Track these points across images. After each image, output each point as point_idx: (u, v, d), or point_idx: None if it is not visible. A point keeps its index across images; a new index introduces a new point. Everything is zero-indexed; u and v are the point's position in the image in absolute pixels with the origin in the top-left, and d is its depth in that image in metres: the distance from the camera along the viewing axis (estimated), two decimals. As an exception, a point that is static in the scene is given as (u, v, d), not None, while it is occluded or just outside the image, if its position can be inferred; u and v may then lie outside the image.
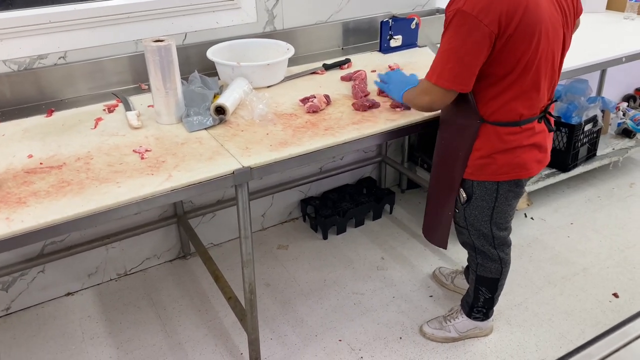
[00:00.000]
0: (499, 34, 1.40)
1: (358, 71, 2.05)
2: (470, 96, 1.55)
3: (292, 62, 2.17)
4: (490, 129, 1.58)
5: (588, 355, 0.63)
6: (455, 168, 1.69)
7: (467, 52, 1.42)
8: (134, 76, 2.09)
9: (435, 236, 1.93)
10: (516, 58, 1.45)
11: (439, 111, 1.75)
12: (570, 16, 1.56)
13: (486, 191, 1.68)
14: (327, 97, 1.88)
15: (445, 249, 1.97)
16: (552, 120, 1.67)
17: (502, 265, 1.86)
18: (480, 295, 1.93)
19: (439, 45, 1.51)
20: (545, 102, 1.61)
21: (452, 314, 2.07)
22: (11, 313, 2.20)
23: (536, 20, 1.42)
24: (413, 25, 2.43)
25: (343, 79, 2.09)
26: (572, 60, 2.26)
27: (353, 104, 1.85)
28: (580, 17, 1.67)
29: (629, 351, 0.65)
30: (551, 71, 1.56)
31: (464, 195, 1.72)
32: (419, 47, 2.48)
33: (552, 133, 1.69)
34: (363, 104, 1.82)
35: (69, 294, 2.30)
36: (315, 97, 1.85)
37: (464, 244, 1.91)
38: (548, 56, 1.51)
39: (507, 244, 1.86)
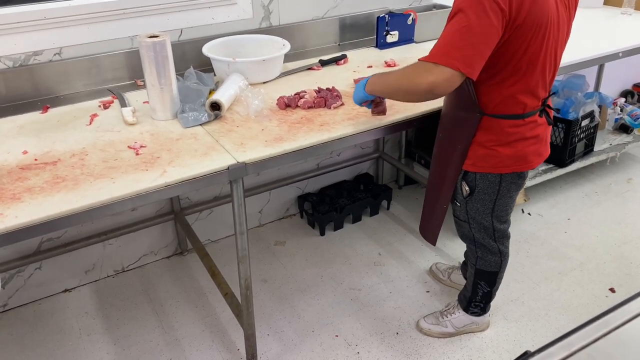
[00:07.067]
0: (510, 20, 1.35)
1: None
2: (469, 88, 1.52)
3: (288, 58, 2.17)
4: (492, 121, 1.56)
5: (569, 344, 0.64)
6: (453, 160, 1.68)
7: (480, 33, 1.31)
8: (129, 72, 2.09)
9: (428, 232, 1.93)
10: (522, 49, 1.42)
11: (441, 105, 1.74)
12: (573, 10, 1.56)
13: (489, 184, 1.67)
14: (334, 90, 1.87)
15: (434, 245, 1.96)
16: (551, 113, 1.67)
17: (501, 258, 1.86)
18: (479, 290, 1.94)
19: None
20: (545, 95, 1.61)
21: (448, 309, 2.07)
22: (8, 310, 2.20)
23: (544, 11, 1.40)
24: (409, 21, 2.43)
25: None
26: (569, 55, 2.26)
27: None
28: (577, 16, 1.67)
29: (609, 340, 0.66)
30: (554, 65, 1.55)
31: (467, 188, 1.71)
32: (416, 42, 2.48)
33: (550, 126, 1.68)
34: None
35: (66, 290, 2.30)
36: (306, 93, 1.85)
37: (463, 238, 1.91)
38: (552, 50, 1.50)
39: (507, 237, 1.86)
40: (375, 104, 1.73)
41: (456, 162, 1.67)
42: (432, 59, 1.36)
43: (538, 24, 1.40)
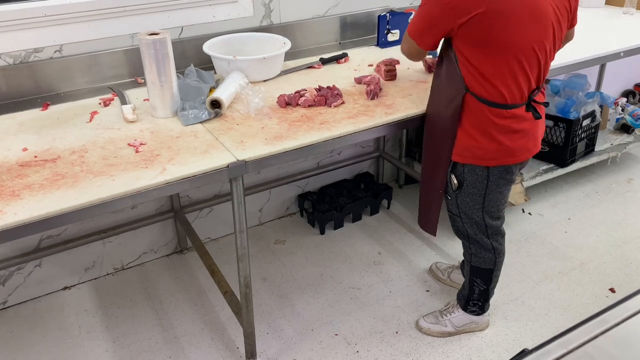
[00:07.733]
0: (461, 12, 1.46)
1: (372, 75, 2.02)
2: (456, 64, 1.58)
3: (288, 56, 2.17)
4: (476, 104, 1.59)
5: (567, 341, 0.64)
6: (443, 141, 1.70)
7: (428, 17, 1.57)
8: (130, 70, 2.09)
9: (427, 222, 1.94)
10: (487, 36, 1.49)
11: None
12: (560, 11, 1.55)
13: (477, 177, 1.69)
14: (334, 88, 1.88)
15: (434, 235, 1.97)
16: (541, 108, 1.67)
17: (495, 255, 1.86)
18: (475, 287, 1.94)
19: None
20: (531, 89, 1.61)
21: (448, 308, 2.07)
22: (8, 307, 2.20)
23: (509, 5, 1.45)
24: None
25: (357, 81, 2.04)
26: (571, 54, 2.26)
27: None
28: (578, 15, 1.68)
29: (607, 338, 0.66)
30: (537, 59, 1.55)
31: (455, 181, 1.73)
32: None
33: (542, 121, 1.70)
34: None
35: (65, 288, 2.30)
36: (306, 91, 1.85)
37: (457, 233, 1.92)
38: (529, 41, 1.51)
39: (500, 234, 1.86)
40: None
41: (447, 143, 1.69)
42: (407, 29, 1.67)
43: (503, 15, 1.46)
